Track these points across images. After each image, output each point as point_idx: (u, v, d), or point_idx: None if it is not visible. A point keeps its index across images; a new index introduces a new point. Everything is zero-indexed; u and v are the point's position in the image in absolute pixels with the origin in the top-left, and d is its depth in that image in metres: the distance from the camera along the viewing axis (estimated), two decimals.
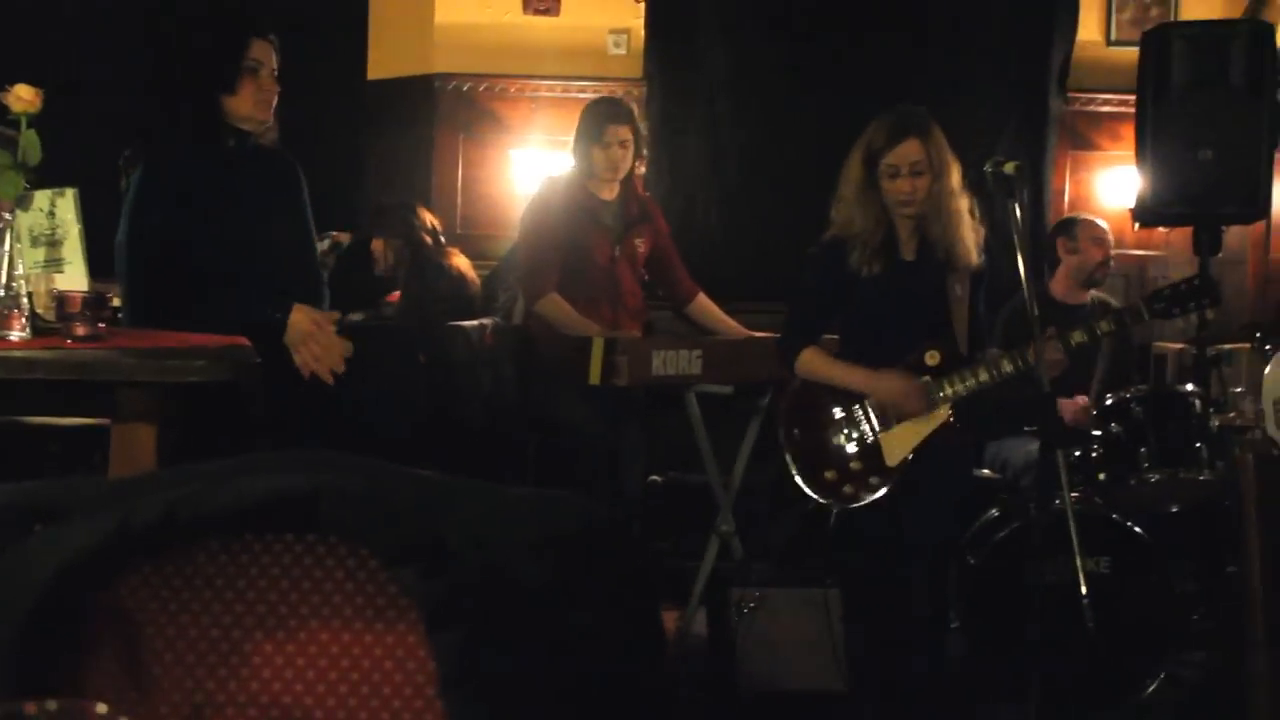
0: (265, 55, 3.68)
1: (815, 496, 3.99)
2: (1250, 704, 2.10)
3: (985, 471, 5.26)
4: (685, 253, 5.48)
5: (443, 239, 6.05)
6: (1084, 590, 3.27)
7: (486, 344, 5.69)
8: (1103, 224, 5.79)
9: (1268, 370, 4.86)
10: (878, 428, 3.96)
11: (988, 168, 3.66)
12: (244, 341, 2.88)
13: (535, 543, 1.13)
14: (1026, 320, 3.56)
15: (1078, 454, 4.98)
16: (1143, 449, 4.90)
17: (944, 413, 3.92)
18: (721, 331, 5.16)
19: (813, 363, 4.01)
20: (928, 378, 3.92)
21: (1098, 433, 4.95)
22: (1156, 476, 4.89)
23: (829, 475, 3.96)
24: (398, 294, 6.09)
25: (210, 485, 1.15)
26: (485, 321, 5.74)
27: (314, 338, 3.48)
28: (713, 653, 4.89)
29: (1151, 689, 4.59)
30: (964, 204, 3.92)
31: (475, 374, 5.60)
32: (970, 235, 3.94)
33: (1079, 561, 3.24)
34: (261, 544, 1.17)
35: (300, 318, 3.48)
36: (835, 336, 4.17)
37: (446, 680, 1.10)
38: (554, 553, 1.13)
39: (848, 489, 3.95)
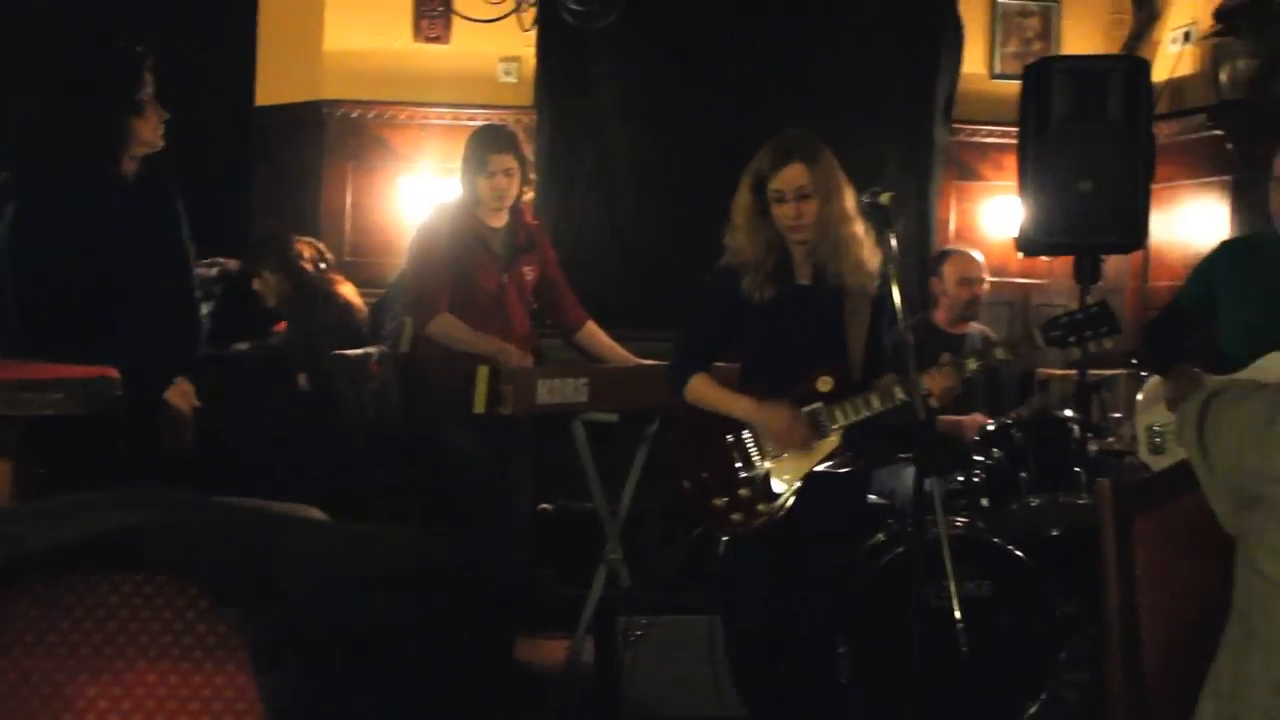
0: (154, 80, 3.67)
1: (704, 524, 3.99)
2: (1110, 706, 2.13)
3: (874, 498, 5.27)
4: (576, 280, 5.46)
5: (325, 266, 5.98)
6: (958, 615, 3.28)
7: (373, 372, 5.63)
8: (974, 257, 5.84)
9: (1139, 397, 4.94)
10: (767, 455, 3.94)
11: (864, 198, 3.67)
12: (111, 373, 2.82)
13: (369, 580, 1.10)
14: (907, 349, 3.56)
15: (961, 479, 5.02)
16: (1024, 474, 4.96)
17: (834, 440, 3.92)
18: (610, 359, 5.15)
19: (701, 390, 3.99)
20: (819, 404, 3.90)
21: (980, 459, 5.00)
22: (1037, 501, 4.94)
23: (718, 503, 3.94)
24: (284, 324, 6.01)
25: (30, 525, 1.11)
26: (371, 350, 5.68)
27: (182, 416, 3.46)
28: (600, 681, 4.87)
29: (1033, 711, 4.63)
30: (858, 228, 3.89)
31: (360, 403, 5.54)
32: (866, 259, 3.92)
33: (952, 588, 3.25)
34: (86, 584, 1.14)
35: (172, 391, 3.46)
36: (731, 364, 4.17)
37: None
38: (389, 590, 1.11)
39: (736, 517, 3.93)
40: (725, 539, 4.11)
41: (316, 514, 4.02)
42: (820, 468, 3.94)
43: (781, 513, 3.92)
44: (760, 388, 3.96)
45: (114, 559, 1.14)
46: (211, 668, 1.13)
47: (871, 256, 3.93)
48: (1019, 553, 4.69)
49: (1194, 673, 1.97)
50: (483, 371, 4.62)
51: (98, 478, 2.73)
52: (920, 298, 6.22)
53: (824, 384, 3.92)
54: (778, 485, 3.93)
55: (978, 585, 4.69)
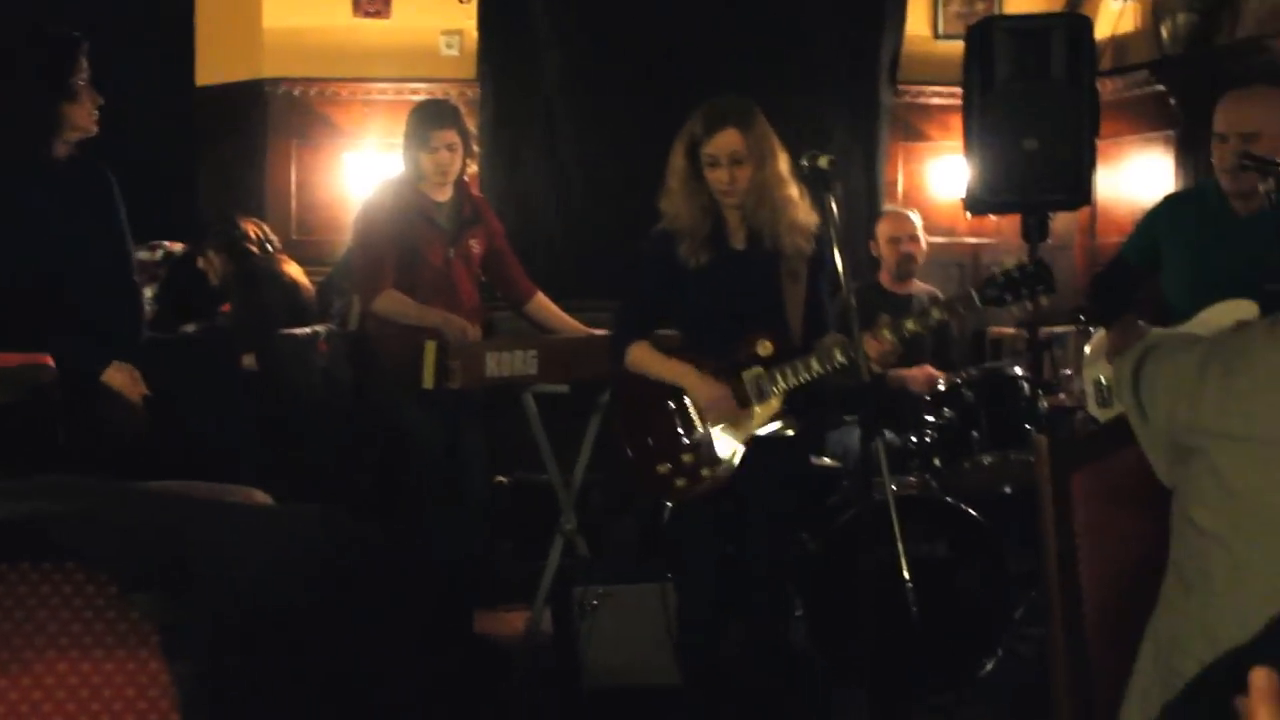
0: (88, 65, 3.64)
1: (648, 491, 3.99)
2: (1051, 676, 2.14)
3: (827, 460, 5.29)
4: (523, 252, 5.44)
5: (271, 246, 5.93)
6: (907, 577, 3.29)
7: (321, 351, 5.60)
8: (905, 216, 5.85)
9: (1086, 350, 4.96)
10: (709, 421, 3.94)
11: (803, 161, 3.63)
12: (45, 360, 2.79)
13: (283, 562, 1.09)
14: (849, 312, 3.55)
15: (914, 440, 5.03)
16: (975, 433, 4.97)
17: (776, 404, 3.92)
18: (560, 330, 5.13)
19: (641, 357, 3.98)
20: (759, 368, 3.90)
21: (931, 418, 5.01)
22: (989, 459, 4.95)
23: (662, 469, 3.93)
24: (227, 305, 5.97)
25: None
26: (319, 328, 5.64)
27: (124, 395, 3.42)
28: (558, 651, 4.87)
29: (989, 667, 4.66)
30: (792, 191, 3.90)
31: (310, 382, 5.51)
32: (801, 221, 3.92)
33: (900, 549, 3.26)
34: None
35: (116, 377, 3.41)
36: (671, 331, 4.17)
37: (189, 707, 1.05)
38: (303, 572, 1.09)
39: (680, 482, 3.92)
40: (670, 505, 4.09)
41: (261, 497, 4.00)
42: (764, 431, 3.94)
43: (726, 477, 3.91)
44: (700, 354, 3.95)
45: (20, 547, 1.12)
46: (123, 655, 1.11)
47: (807, 219, 3.93)
48: (973, 512, 4.70)
49: (1135, 628, 1.97)
50: (430, 346, 4.60)
51: (37, 466, 2.70)
52: (870, 260, 6.22)
53: (763, 348, 3.91)
54: (722, 449, 3.92)
55: (932, 546, 4.71)
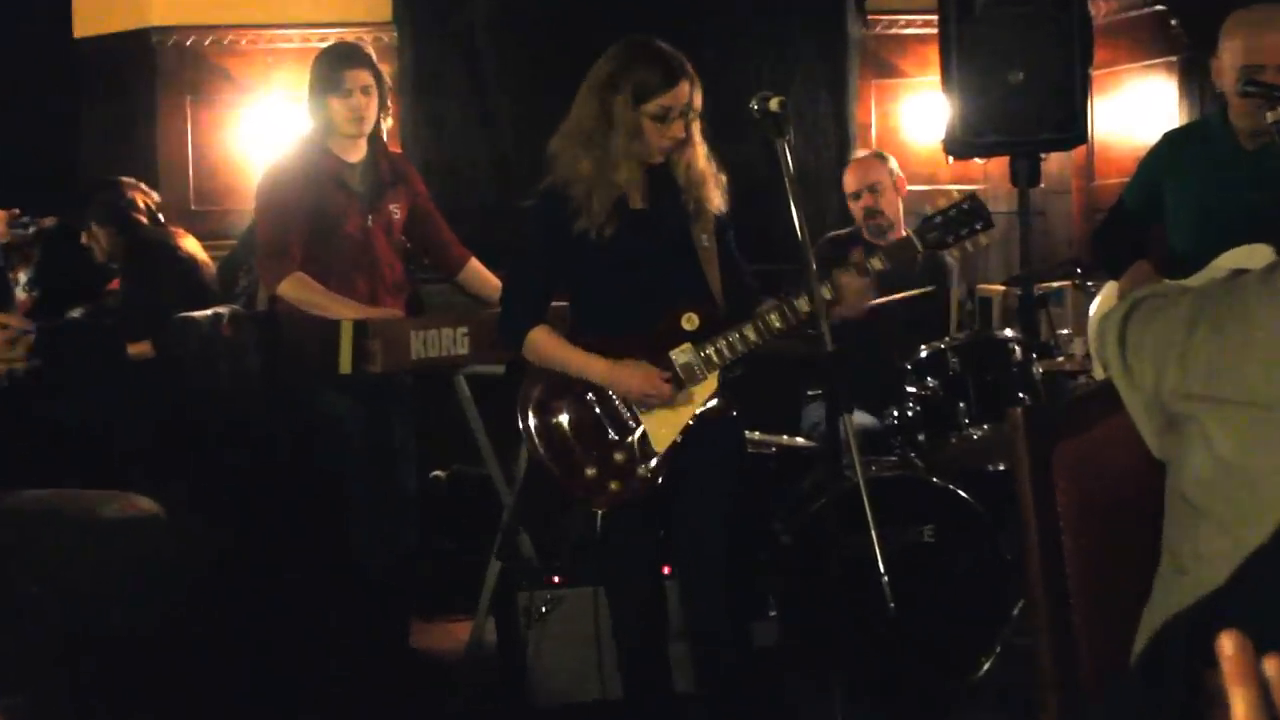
0: None
1: (575, 497, 3.94)
2: (1035, 672, 2.15)
3: (800, 440, 5.30)
4: (454, 217, 5.42)
5: (161, 217, 5.90)
6: (881, 569, 3.31)
7: (224, 335, 5.57)
8: (868, 162, 5.79)
9: (1092, 309, 4.98)
10: (638, 412, 3.90)
11: (753, 104, 3.63)
12: None
13: (123, 580, 1.07)
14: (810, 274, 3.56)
15: (894, 414, 5.05)
16: (962, 404, 4.99)
17: (711, 383, 3.89)
18: (496, 300, 5.11)
19: (544, 345, 3.91)
20: (688, 345, 3.87)
21: (913, 389, 5.02)
22: (978, 433, 4.98)
23: (590, 472, 3.88)
24: (116, 283, 5.94)
25: None
26: (222, 310, 5.60)
27: None
28: (502, 666, 4.88)
29: (988, 665, 4.68)
30: (705, 145, 3.94)
31: (213, 369, 5.48)
32: (721, 177, 3.94)
33: (874, 538, 3.27)
34: None
35: None
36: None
37: None
38: (146, 588, 1.08)
39: (614, 486, 3.87)
40: (603, 514, 3.97)
41: (146, 505, 3.99)
42: (699, 413, 3.91)
43: (664, 470, 3.89)
44: (611, 333, 3.91)
45: None
46: None
47: (721, 173, 3.95)
48: (962, 492, 4.73)
49: (1129, 618, 1.98)
50: (346, 326, 4.58)
51: None
52: (842, 213, 6.23)
53: (689, 321, 3.89)
54: (657, 442, 3.89)
55: (919, 531, 4.73)
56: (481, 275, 5.21)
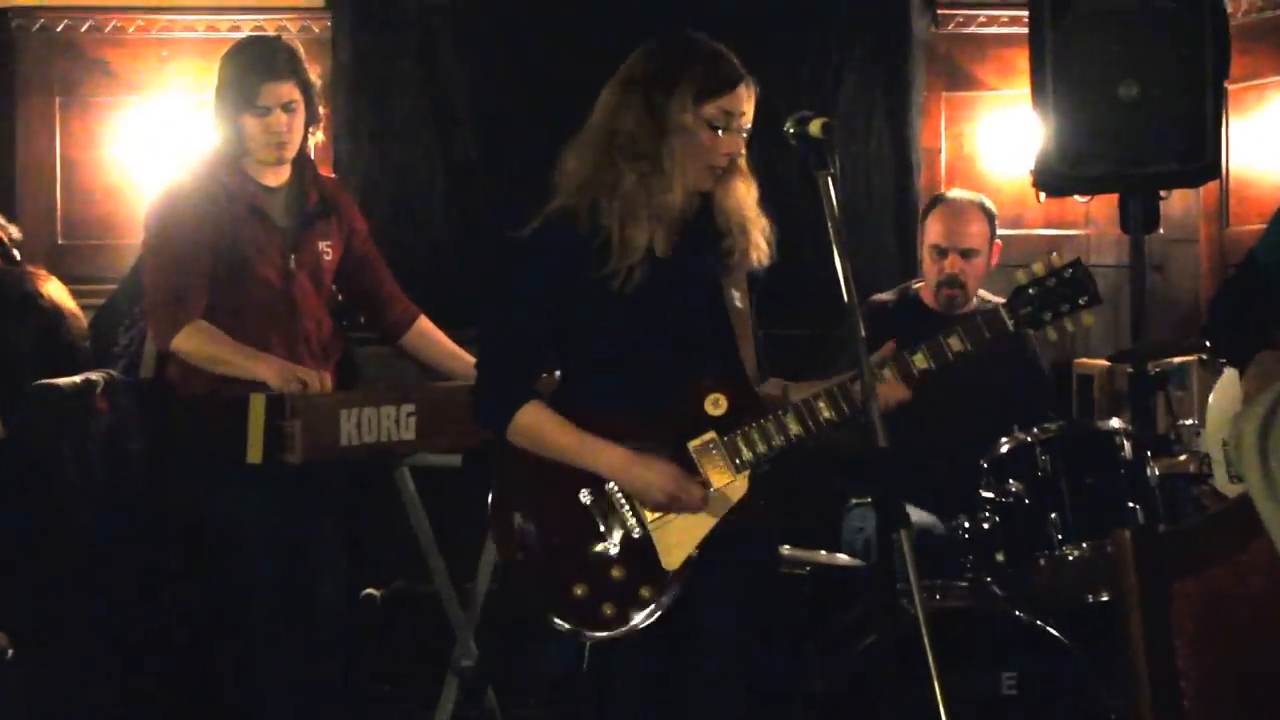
0: None
1: (560, 622, 3.94)
2: None
3: (842, 557, 5.32)
4: (398, 259, 5.46)
5: (17, 254, 5.93)
6: None
7: (98, 409, 5.59)
8: (962, 207, 5.77)
9: (1211, 399, 5.01)
10: (646, 517, 3.90)
11: (788, 127, 3.65)
12: None
13: None
14: (861, 338, 3.56)
15: (966, 526, 5.07)
16: (1054, 514, 5.00)
17: (741, 484, 3.91)
18: (454, 370, 5.15)
19: (538, 426, 3.91)
20: (711, 435, 3.90)
21: (991, 495, 5.04)
22: (1074, 553, 4.99)
23: (579, 591, 3.88)
24: None
25: None
26: (95, 376, 5.63)
27: None
28: None
29: None
30: None
31: (80, 454, 5.50)
32: (764, 221, 3.99)
33: (937, 690, 3.28)
34: None
35: None
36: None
37: None
38: None
39: (608, 609, 3.87)
40: (591, 645, 4.02)
41: None
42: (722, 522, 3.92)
43: (673, 595, 3.89)
44: (604, 413, 3.92)
45: None
46: None
47: (763, 216, 3.99)
48: (1052, 630, 4.74)
49: None
50: (257, 402, 4.60)
51: None
52: (903, 263, 6.26)
53: (714, 404, 3.91)
54: (666, 558, 3.90)
55: (996, 680, 4.74)
56: (432, 338, 5.24)
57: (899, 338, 3.97)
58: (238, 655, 4.99)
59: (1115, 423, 5.26)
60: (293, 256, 5.01)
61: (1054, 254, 4.04)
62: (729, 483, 3.89)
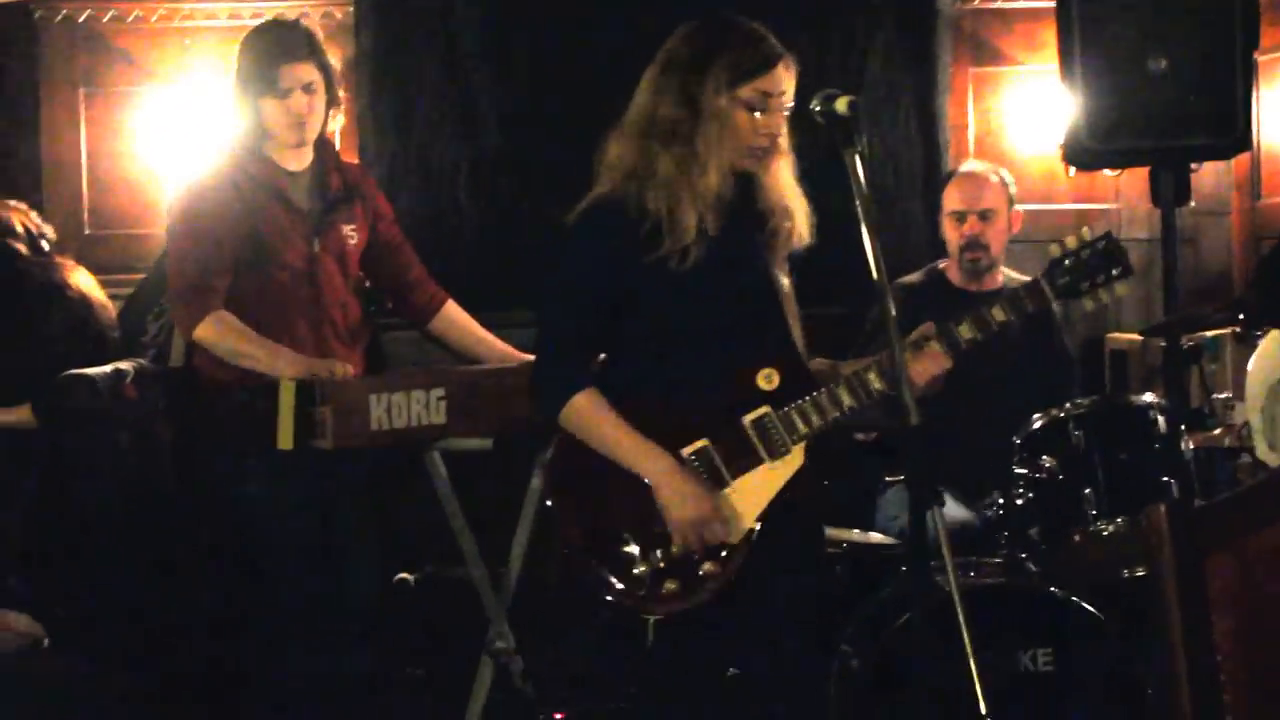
0: None
1: (622, 601, 3.96)
2: None
3: (876, 536, 5.32)
4: (424, 244, 5.46)
5: (46, 245, 5.94)
6: (983, 710, 3.31)
7: (127, 398, 5.60)
8: (975, 177, 5.82)
9: (1251, 366, 4.99)
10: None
11: (814, 104, 3.68)
12: None
13: None
14: (891, 318, 3.57)
15: (1000, 503, 5.06)
16: (1088, 490, 4.99)
17: (798, 457, 3.93)
18: (482, 355, 5.15)
19: (591, 417, 3.93)
20: (766, 409, 3.92)
21: (1024, 471, 5.03)
22: (1109, 528, 4.98)
23: (639, 570, 3.91)
24: None
25: None
26: (124, 365, 5.64)
27: None
28: None
29: None
30: None
31: (111, 441, 5.51)
32: (802, 203, 4.01)
33: (973, 668, 3.28)
34: None
35: None
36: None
37: None
38: None
39: (671, 585, 3.90)
40: (656, 621, 4.01)
41: (23, 625, 3.99)
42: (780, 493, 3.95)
43: (735, 571, 3.91)
44: (661, 397, 3.95)
45: None
46: None
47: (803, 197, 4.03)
48: (1088, 606, 4.74)
49: None
50: (286, 388, 4.60)
51: None
52: (932, 240, 6.25)
53: (767, 379, 3.93)
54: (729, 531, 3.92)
55: (1031, 656, 4.74)
56: (461, 322, 5.24)
57: (928, 317, 4.01)
58: (269, 643, 4.99)
59: (1149, 397, 5.24)
60: (316, 240, 5.01)
61: (1085, 228, 4.09)
62: (784, 455, 3.92)
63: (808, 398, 3.91)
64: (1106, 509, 4.98)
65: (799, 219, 3.98)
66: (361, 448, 4.77)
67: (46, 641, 4.85)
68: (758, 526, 3.92)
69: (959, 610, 3.34)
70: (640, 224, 3.87)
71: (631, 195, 3.90)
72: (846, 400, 3.90)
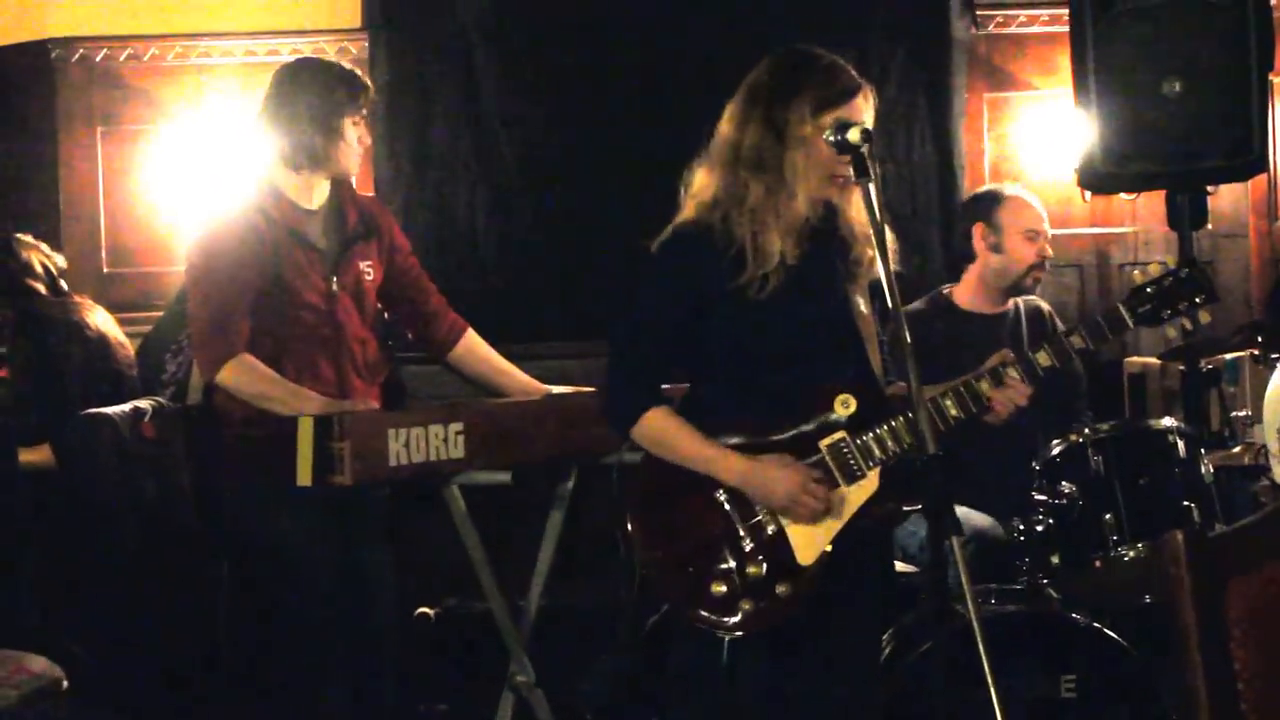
0: None
1: (696, 621, 3.97)
2: None
3: (898, 564, 5.30)
4: (441, 275, 5.46)
5: (64, 284, 5.95)
6: None
7: (146, 437, 5.60)
8: (1037, 204, 5.83)
9: (1270, 391, 4.97)
10: (780, 515, 3.96)
11: (827, 136, 3.75)
12: None
13: None
14: (907, 346, 3.59)
15: (1020, 529, 5.04)
16: (1108, 515, 4.98)
17: (873, 481, 3.96)
18: (503, 386, 5.15)
19: (663, 430, 3.99)
20: (842, 435, 3.96)
21: (1044, 497, 5.02)
22: (1130, 553, 4.97)
23: (718, 589, 3.94)
24: (4, 371, 5.97)
25: None
26: (143, 404, 5.64)
27: None
28: None
29: None
30: None
31: (130, 480, 5.51)
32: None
33: (994, 698, 3.26)
34: None
35: None
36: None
37: None
38: None
39: (747, 606, 3.93)
40: (730, 642, 4.03)
41: (42, 668, 3.99)
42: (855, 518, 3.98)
43: (812, 590, 3.95)
44: (738, 422, 4.00)
45: None
46: None
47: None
48: (1110, 632, 4.73)
49: None
50: (305, 424, 4.59)
51: None
52: (949, 266, 6.24)
53: (843, 405, 3.97)
54: (802, 553, 3.96)
55: (1054, 684, 4.72)
56: (482, 353, 5.24)
57: (936, 343, 4.06)
58: (291, 680, 4.99)
59: (1168, 421, 5.24)
60: (334, 279, 4.99)
61: (1169, 257, 4.19)
62: (860, 480, 3.96)
63: (885, 425, 3.95)
64: (1127, 535, 4.98)
65: (868, 242, 4.00)
66: (380, 482, 4.77)
67: (65, 684, 4.85)
68: (830, 549, 3.95)
69: (979, 637, 3.33)
70: (724, 252, 3.94)
71: (717, 223, 3.96)
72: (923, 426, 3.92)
